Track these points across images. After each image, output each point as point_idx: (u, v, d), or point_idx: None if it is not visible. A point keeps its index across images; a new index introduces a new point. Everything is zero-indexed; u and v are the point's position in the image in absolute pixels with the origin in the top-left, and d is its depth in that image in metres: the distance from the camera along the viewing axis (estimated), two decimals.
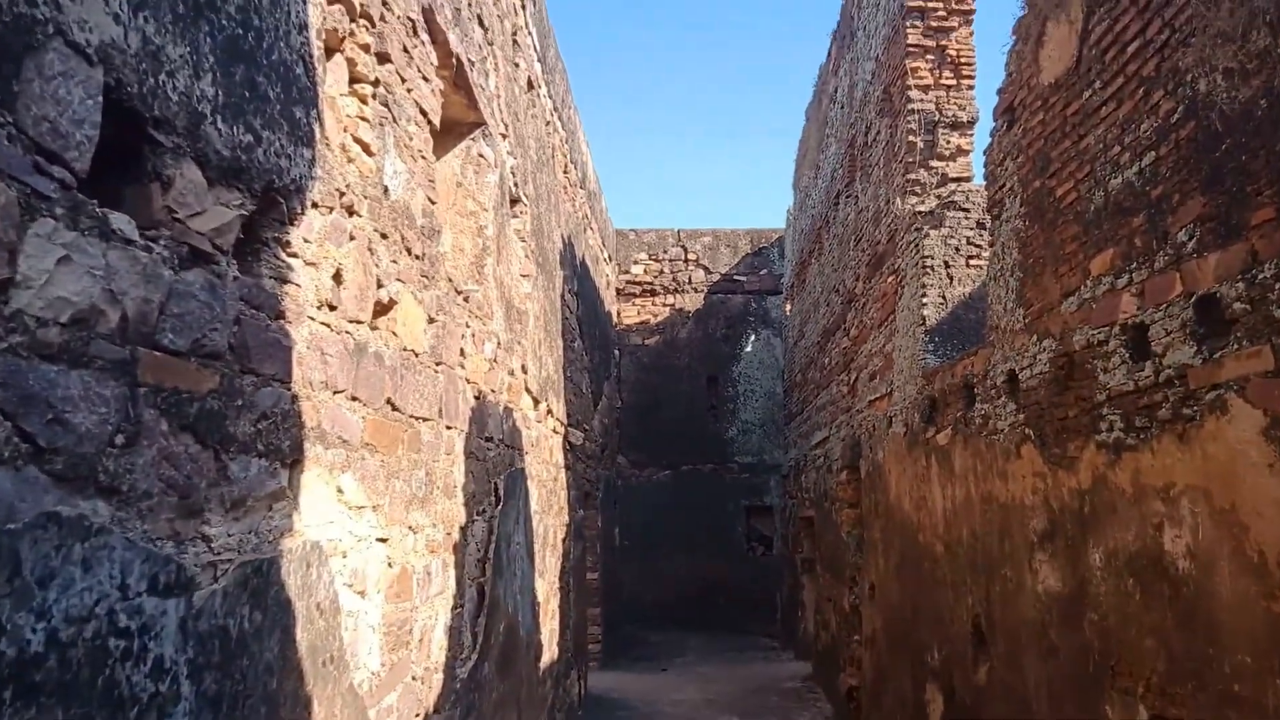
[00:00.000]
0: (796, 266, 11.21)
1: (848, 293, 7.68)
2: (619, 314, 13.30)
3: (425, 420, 3.30)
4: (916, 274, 5.41)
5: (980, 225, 5.36)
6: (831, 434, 8.29)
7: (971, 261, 5.33)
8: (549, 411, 6.64)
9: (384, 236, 2.88)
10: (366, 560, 2.70)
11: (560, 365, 7.41)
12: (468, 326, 3.98)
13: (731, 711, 7.97)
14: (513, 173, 5.33)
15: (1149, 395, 2.67)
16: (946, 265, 5.32)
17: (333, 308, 2.46)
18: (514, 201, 5.63)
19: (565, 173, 8.42)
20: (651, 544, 12.60)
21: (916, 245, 5.44)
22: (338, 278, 2.51)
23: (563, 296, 7.85)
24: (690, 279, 13.26)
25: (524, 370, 5.56)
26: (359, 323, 2.66)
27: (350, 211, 2.60)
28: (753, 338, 13.07)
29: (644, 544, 12.61)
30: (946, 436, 4.57)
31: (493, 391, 4.50)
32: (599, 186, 11.15)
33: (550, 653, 6.42)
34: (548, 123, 7.14)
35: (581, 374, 9.25)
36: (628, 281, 13.36)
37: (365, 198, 2.73)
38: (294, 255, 2.25)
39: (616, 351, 13.07)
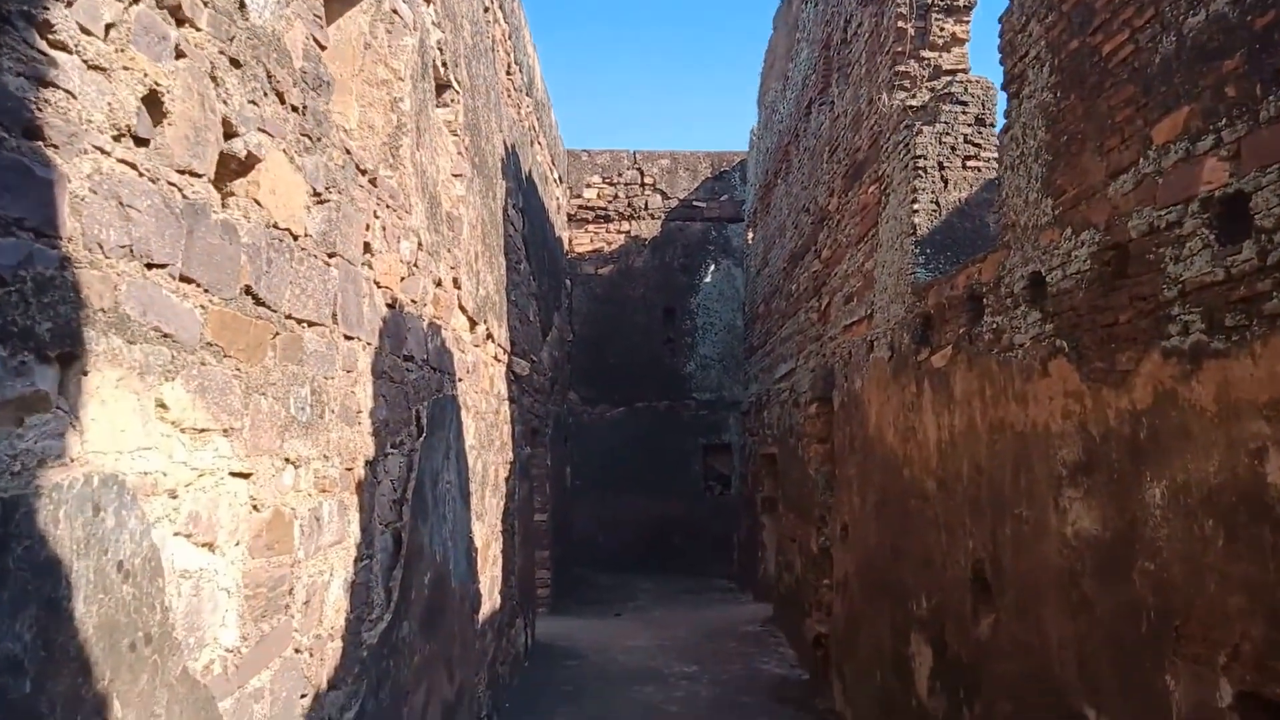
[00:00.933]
0: (760, 190, 10.51)
1: (819, 210, 7.02)
2: (570, 241, 12.50)
3: (312, 325, 2.56)
4: (906, 178, 4.75)
5: (980, 121, 4.70)
6: (799, 365, 7.72)
7: (969, 163, 4.68)
8: (489, 336, 5.92)
9: (237, 66, 2.11)
10: (215, 502, 2.00)
11: (502, 286, 6.66)
12: (376, 216, 3.22)
13: (688, 658, 7.50)
14: (439, 48, 4.50)
15: (1248, 284, 2.05)
16: (941, 167, 4.67)
17: (142, 142, 1.70)
18: (443, 87, 4.80)
19: (509, 74, 7.54)
20: (605, 483, 12.05)
21: (906, 145, 4.77)
22: (153, 104, 1.75)
23: (505, 211, 7.06)
24: (647, 204, 12.48)
25: (456, 284, 4.81)
26: (194, 175, 1.90)
27: (178, 14, 1.82)
28: (712, 268, 12.40)
29: (597, 483, 12.05)
30: (944, 357, 3.97)
31: (413, 302, 3.76)
32: (548, 98, 10.25)
33: (491, 602, 5.81)
34: (486, 9, 6.25)
35: (528, 300, 8.51)
36: (580, 206, 12.54)
37: (205, 4, 1.95)
38: (61, 47, 1.48)
39: (568, 281, 12.31)
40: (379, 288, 3.26)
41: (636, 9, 38.48)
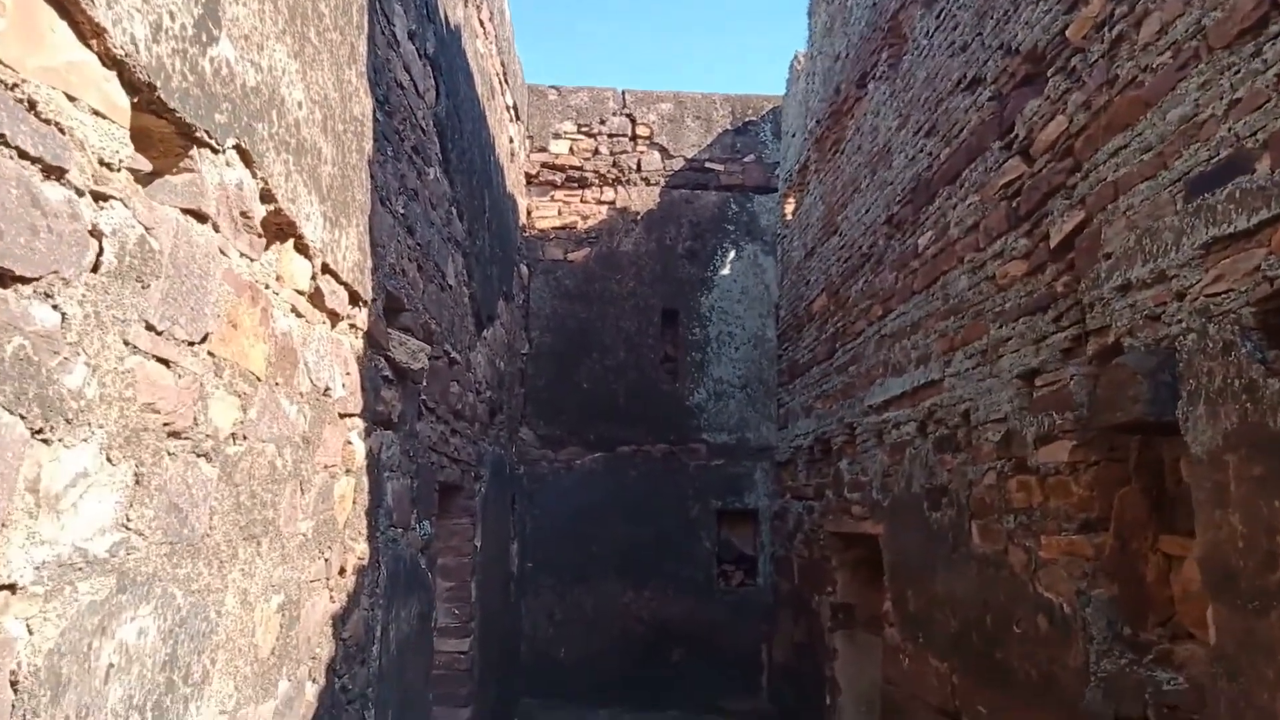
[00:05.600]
0: (824, 125, 6.84)
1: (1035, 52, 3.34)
2: (529, 213, 8.71)
3: None
4: None
5: None
6: (962, 372, 3.96)
7: None
8: (300, 246, 2.08)
9: None
10: None
11: (362, 162, 2.84)
12: None
13: None
14: None
15: None
16: None
17: None
18: None
19: None
20: (569, 568, 8.09)
21: None
22: None
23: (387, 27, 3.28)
24: (640, 165, 8.77)
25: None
26: None
27: None
28: (732, 254, 8.67)
29: (557, 568, 8.09)
30: None
31: None
32: None
33: None
34: None
35: (444, 247, 4.69)
36: (544, 165, 8.78)
37: None
38: None
39: (524, 268, 8.48)
40: None
41: None
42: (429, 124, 4.28)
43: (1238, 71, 2.25)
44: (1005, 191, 3.64)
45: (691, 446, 8.41)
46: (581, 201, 8.77)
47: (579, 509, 8.19)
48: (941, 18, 4.41)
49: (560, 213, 8.76)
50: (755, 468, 8.39)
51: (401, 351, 3.53)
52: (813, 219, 7.09)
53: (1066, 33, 3.16)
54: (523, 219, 8.53)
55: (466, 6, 5.59)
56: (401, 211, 3.71)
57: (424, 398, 4.13)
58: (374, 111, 3.18)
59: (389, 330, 3.46)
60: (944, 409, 4.17)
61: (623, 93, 8.86)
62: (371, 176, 3.14)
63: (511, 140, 7.91)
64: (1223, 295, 2.24)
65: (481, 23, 6.28)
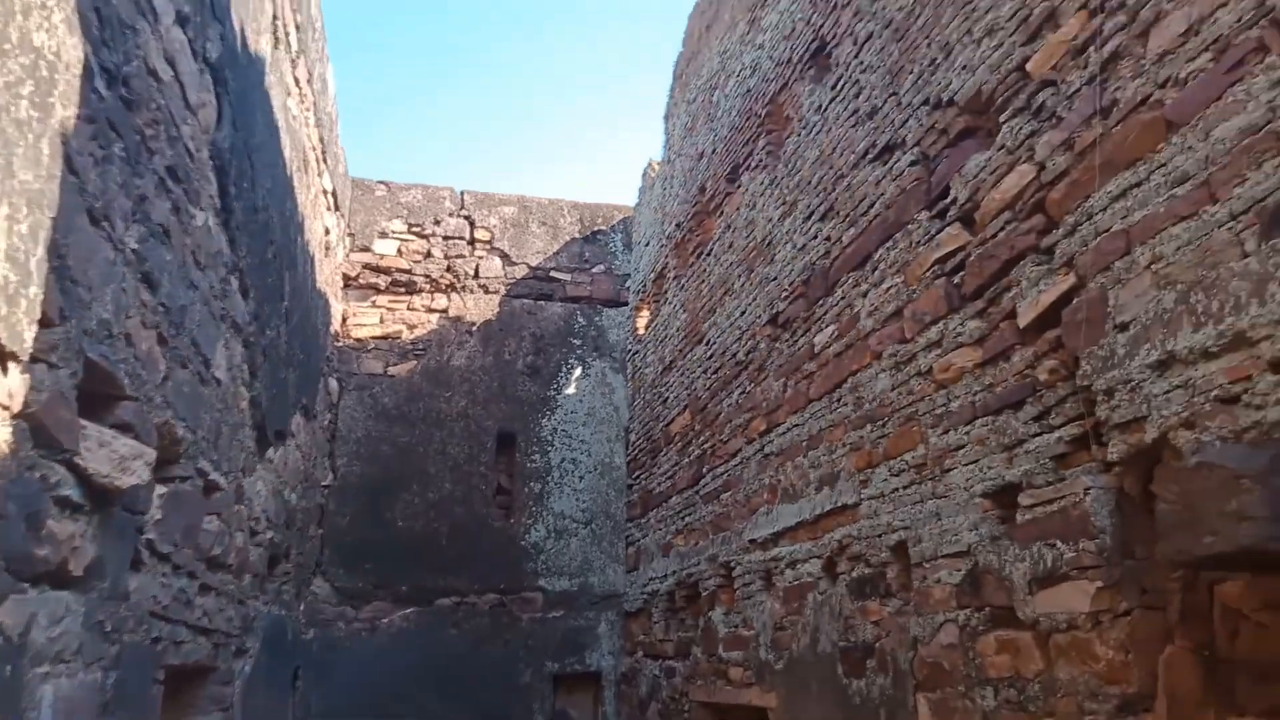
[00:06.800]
0: (685, 226, 6.24)
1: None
2: (345, 319, 7.50)
3: None
4: None
5: None
6: (885, 495, 3.15)
7: None
8: None
9: None
10: None
11: (51, 145, 1.69)
12: None
13: None
14: None
15: None
16: None
17: None
18: None
19: None
20: None
21: None
22: None
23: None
24: (478, 270, 7.85)
25: None
26: None
27: None
28: (578, 372, 7.77)
29: None
30: None
31: None
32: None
33: None
34: None
35: (217, 327, 3.48)
36: (367, 266, 7.68)
37: None
38: None
39: (333, 382, 7.18)
40: None
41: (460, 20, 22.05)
42: (201, 150, 3.17)
43: None
44: (941, 268, 2.97)
45: (526, 595, 7.12)
46: (409, 309, 7.67)
47: (384, 682, 6.61)
48: (839, 87, 3.87)
49: (383, 320, 7.60)
50: (600, 619, 7.19)
51: (100, 458, 2.26)
52: (672, 330, 6.36)
53: (1027, 67, 2.59)
54: (336, 325, 7.30)
55: (276, 48, 4.61)
56: (134, 247, 2.53)
57: (150, 536, 2.80)
58: (87, 65, 2.07)
59: (83, 422, 2.21)
60: (863, 541, 3.31)
61: (461, 193, 8.02)
62: (69, 163, 2.00)
63: (328, 232, 6.80)
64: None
65: (297, 81, 5.30)
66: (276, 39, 4.64)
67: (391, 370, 7.46)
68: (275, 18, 4.59)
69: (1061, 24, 2.45)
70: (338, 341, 7.34)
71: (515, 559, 7.17)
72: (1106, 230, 2.21)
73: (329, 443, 7.10)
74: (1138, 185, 2.12)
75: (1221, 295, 1.84)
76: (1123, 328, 2.11)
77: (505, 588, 7.09)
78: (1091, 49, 2.32)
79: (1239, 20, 1.87)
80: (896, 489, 3.11)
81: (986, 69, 2.78)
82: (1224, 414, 1.79)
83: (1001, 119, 2.70)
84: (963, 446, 2.74)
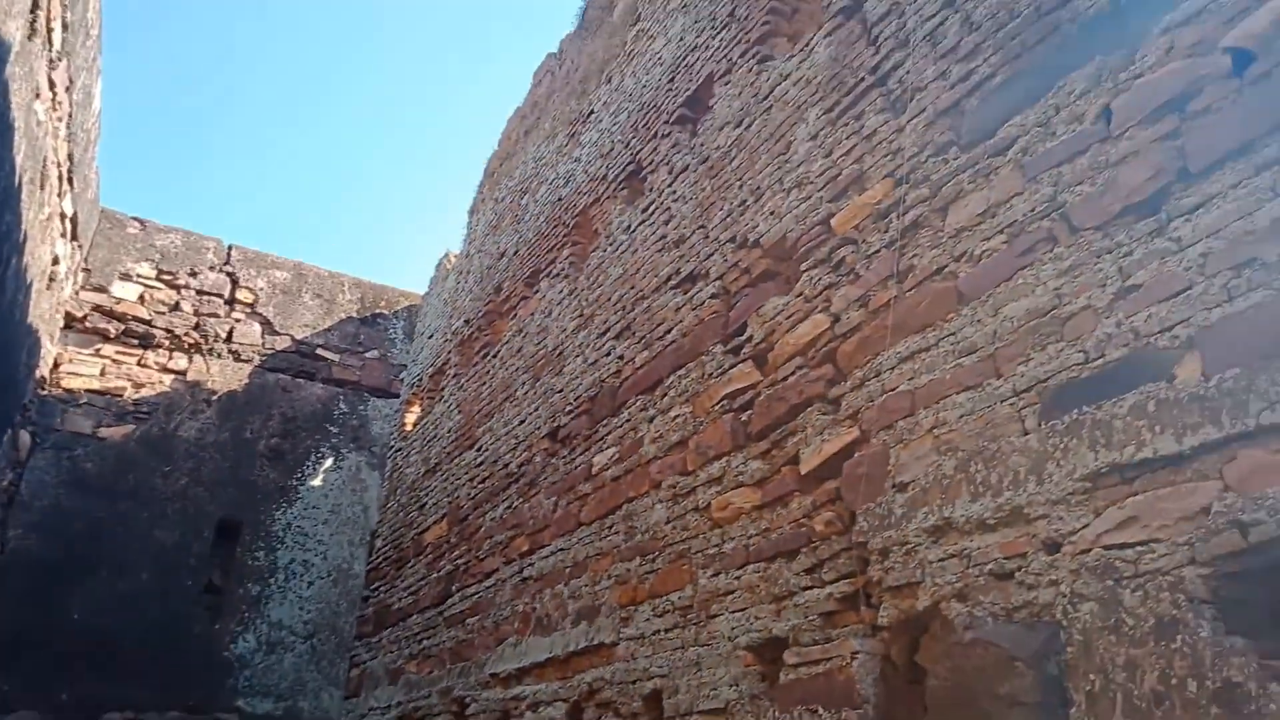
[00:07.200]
0: (475, 323, 5.97)
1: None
2: (57, 364, 6.41)
3: None
4: None
5: None
6: (645, 636, 2.95)
7: None
8: None
9: None
10: None
11: None
12: None
13: None
14: None
15: None
16: None
17: None
18: None
19: None
20: None
21: None
22: None
23: None
24: (232, 334, 7.06)
25: None
26: None
27: None
28: (330, 462, 7.07)
29: None
30: None
31: None
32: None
33: None
34: None
35: None
36: (98, 308, 6.68)
37: None
38: None
39: (26, 436, 6.02)
40: None
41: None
42: None
43: (1128, 253, 1.72)
44: (730, 403, 2.91)
45: (219, 717, 6.10)
46: (139, 364, 6.70)
47: None
48: (650, 211, 3.87)
49: (104, 373, 6.57)
50: None
51: None
52: (443, 430, 5.95)
53: (832, 222, 2.65)
54: (44, 370, 6.20)
55: (32, 39, 3.96)
56: None
57: None
58: None
59: None
60: (615, 686, 3.05)
61: (229, 246, 7.28)
62: None
63: (57, 261, 5.85)
64: (1138, 548, 1.54)
65: (53, 84, 4.60)
66: (34, 29, 4.00)
67: (103, 432, 6.40)
68: (37, 7, 3.98)
69: (868, 188, 2.54)
70: (42, 389, 6.22)
71: (214, 672, 6.16)
72: (893, 389, 2.22)
73: (5, 506, 5.87)
74: (926, 350, 2.16)
75: (1001, 468, 1.85)
76: (902, 488, 2.09)
77: (194, 705, 6.03)
78: (894, 215, 2.40)
79: (1033, 210, 1.97)
80: (659, 630, 2.91)
81: (793, 218, 2.83)
82: (997, 589, 1.76)
83: (803, 267, 2.74)
84: (732, 592, 2.60)
